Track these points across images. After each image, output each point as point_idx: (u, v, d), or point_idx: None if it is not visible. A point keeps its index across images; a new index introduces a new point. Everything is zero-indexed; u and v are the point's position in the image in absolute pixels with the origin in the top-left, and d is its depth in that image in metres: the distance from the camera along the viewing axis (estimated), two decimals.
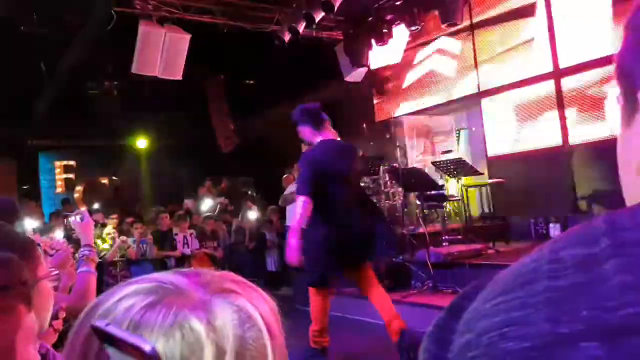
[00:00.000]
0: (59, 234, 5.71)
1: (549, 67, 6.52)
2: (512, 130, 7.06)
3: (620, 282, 0.29)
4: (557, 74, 6.45)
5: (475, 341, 0.33)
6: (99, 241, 6.86)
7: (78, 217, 2.12)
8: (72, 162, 12.48)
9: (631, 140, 0.42)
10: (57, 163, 12.41)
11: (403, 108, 8.81)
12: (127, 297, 0.49)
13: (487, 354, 0.31)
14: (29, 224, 6.73)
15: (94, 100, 10.03)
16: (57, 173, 12.42)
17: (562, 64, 6.38)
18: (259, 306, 0.54)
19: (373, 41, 7.90)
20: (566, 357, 0.27)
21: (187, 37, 7.24)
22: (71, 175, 12.43)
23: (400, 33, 7.82)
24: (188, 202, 10.55)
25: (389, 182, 7.43)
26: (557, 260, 0.33)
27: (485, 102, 7.38)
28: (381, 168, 7.28)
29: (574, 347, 0.27)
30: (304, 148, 3.85)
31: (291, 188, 7.83)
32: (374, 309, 4.06)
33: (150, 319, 0.47)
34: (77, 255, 2.14)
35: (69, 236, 4.66)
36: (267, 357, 0.51)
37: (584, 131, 6.15)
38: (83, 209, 2.37)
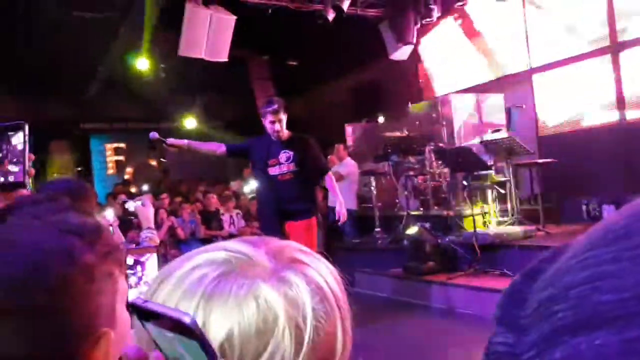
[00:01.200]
0: (109, 214, 5.92)
1: (605, 42, 6.20)
2: (565, 108, 6.78)
3: None
4: (615, 48, 6.13)
5: (561, 295, 0.32)
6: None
7: (139, 203, 2.30)
8: (122, 145, 12.88)
9: None
10: (108, 145, 12.83)
11: (450, 86, 8.60)
12: (199, 267, 0.48)
13: (577, 306, 0.30)
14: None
15: (143, 83, 10.26)
16: (108, 155, 12.86)
17: (621, 38, 6.06)
18: (327, 278, 0.52)
19: (419, 17, 7.72)
20: None
21: (233, 18, 7.27)
22: (121, 158, 12.84)
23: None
24: (234, 184, 10.72)
25: (434, 162, 7.29)
26: None
27: (536, 79, 7.11)
28: (427, 148, 7.15)
29: None
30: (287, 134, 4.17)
31: (335, 169, 7.83)
32: None
33: (225, 290, 0.46)
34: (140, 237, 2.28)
35: (124, 219, 4.86)
36: (337, 332, 0.50)
37: None
38: (145, 196, 2.64)
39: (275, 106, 4.06)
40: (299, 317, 0.46)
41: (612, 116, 6.18)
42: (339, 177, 7.71)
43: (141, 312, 0.42)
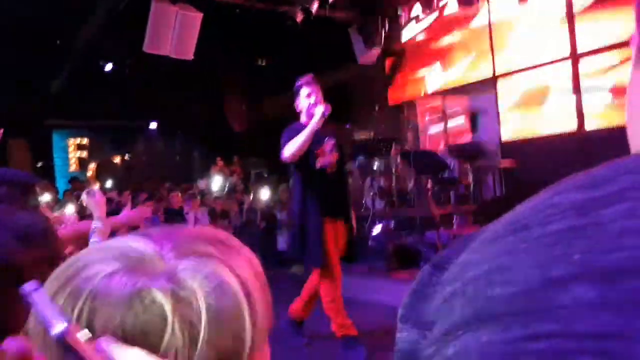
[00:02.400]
0: (70, 210, 5.79)
1: (566, 51, 6.41)
2: (527, 115, 6.98)
3: (620, 227, 0.27)
4: (575, 56, 6.35)
5: (462, 289, 0.31)
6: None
7: (90, 193, 2.22)
8: (85, 141, 12.60)
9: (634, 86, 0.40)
10: (71, 141, 12.53)
11: (417, 90, 8.74)
12: (91, 265, 0.46)
13: (472, 300, 0.29)
14: (45, 199, 6.81)
15: (108, 79, 10.07)
16: (71, 151, 12.55)
17: (581, 48, 6.28)
18: (240, 270, 0.50)
19: (387, 21, 7.82)
20: (555, 300, 0.26)
21: (199, 15, 7.21)
22: (84, 154, 12.56)
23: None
24: (201, 183, 10.63)
25: (400, 164, 7.40)
26: (552, 205, 0.31)
27: (500, 86, 7.29)
28: (392, 150, 7.25)
29: (564, 290, 0.26)
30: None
31: None
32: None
33: (109, 289, 0.44)
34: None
35: (83, 214, 4.73)
36: (245, 328, 0.47)
37: (601, 117, 6.06)
38: (95, 186, 2.48)
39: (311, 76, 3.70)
40: (192, 316, 0.45)
41: (571, 124, 6.39)
42: None
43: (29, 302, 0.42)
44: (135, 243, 0.49)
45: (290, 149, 3.58)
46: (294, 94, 3.81)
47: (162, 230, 0.53)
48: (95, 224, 2.08)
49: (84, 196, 2.24)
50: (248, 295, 0.48)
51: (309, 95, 3.66)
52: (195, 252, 0.49)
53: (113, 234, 2.14)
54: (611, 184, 0.30)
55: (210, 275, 0.47)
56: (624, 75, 5.77)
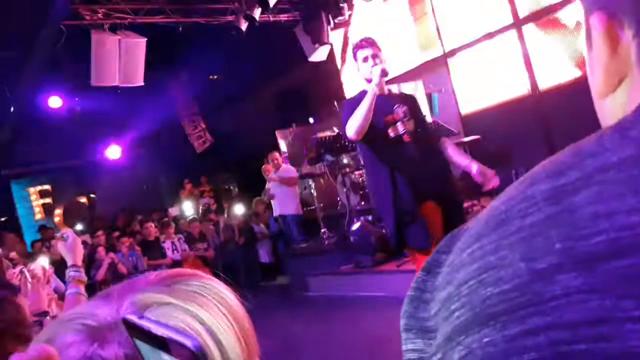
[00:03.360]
0: (43, 261, 5.59)
1: (509, 19, 6.52)
2: (481, 86, 7.07)
3: (591, 212, 0.28)
4: (518, 23, 6.45)
5: (456, 292, 0.32)
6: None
7: (63, 238, 1.98)
8: (47, 186, 12.24)
9: (591, 64, 0.41)
10: (32, 189, 12.15)
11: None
12: (54, 339, 0.47)
13: (468, 303, 0.31)
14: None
15: (59, 119, 9.81)
16: (33, 200, 12.17)
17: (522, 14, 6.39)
18: (205, 312, 0.49)
19: (331, 17, 7.82)
20: (544, 292, 0.27)
21: (143, 40, 7.09)
22: (48, 200, 12.19)
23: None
24: (172, 210, 10.45)
25: None
26: (526, 198, 0.32)
27: (452, 62, 7.36)
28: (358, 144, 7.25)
29: (551, 281, 0.27)
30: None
31: (276, 175, 7.79)
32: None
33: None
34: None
35: (59, 262, 4.56)
36: None
37: (553, 75, 6.18)
38: (66, 230, 2.21)
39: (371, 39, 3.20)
40: None
41: (525, 87, 6.50)
42: (284, 182, 7.69)
43: (135, 329, 0.41)
44: (97, 309, 0.49)
45: (352, 124, 3.02)
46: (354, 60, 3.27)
47: (124, 285, 0.53)
48: (70, 272, 1.89)
49: (59, 244, 2.04)
50: (215, 338, 0.47)
51: (365, 59, 3.12)
52: (155, 303, 0.48)
53: None
54: (575, 170, 0.31)
55: (170, 328, 0.45)
56: (571, 35, 5.90)
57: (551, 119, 6.16)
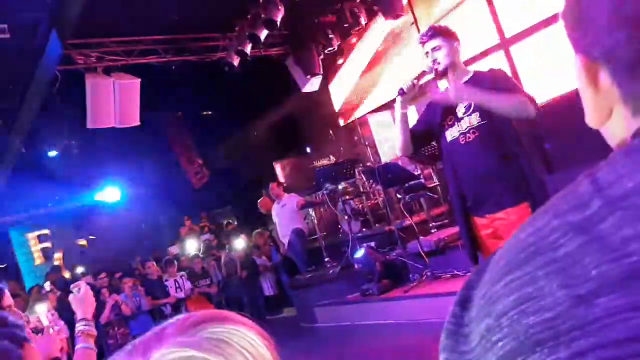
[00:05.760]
0: (41, 309, 5.52)
1: (495, 39, 6.62)
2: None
3: (620, 236, 0.30)
4: (505, 43, 6.56)
5: (496, 324, 0.33)
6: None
7: (75, 291, 1.97)
8: (45, 231, 12.16)
9: (582, 97, 0.44)
10: (30, 235, 12.07)
11: (364, 107, 8.85)
12: None
13: (511, 333, 0.32)
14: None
15: (55, 163, 9.82)
16: (32, 245, 12.08)
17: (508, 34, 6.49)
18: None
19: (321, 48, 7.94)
20: (587, 316, 0.28)
21: (137, 81, 7.16)
22: (47, 244, 12.10)
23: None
24: (173, 249, 10.38)
25: (366, 183, 7.43)
26: (554, 229, 0.34)
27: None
28: (356, 170, 7.28)
29: (591, 305, 0.29)
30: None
31: (281, 203, 7.71)
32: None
33: None
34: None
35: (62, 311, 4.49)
36: None
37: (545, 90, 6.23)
38: (81, 281, 2.17)
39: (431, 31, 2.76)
40: None
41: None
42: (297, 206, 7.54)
43: None
44: None
45: (395, 143, 2.85)
46: None
47: (149, 338, 0.51)
48: (80, 326, 1.87)
49: (70, 297, 1.98)
50: None
51: (427, 54, 2.76)
52: (180, 359, 0.48)
53: None
54: (597, 199, 0.33)
55: None
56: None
57: (549, 136, 6.19)
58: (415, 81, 2.78)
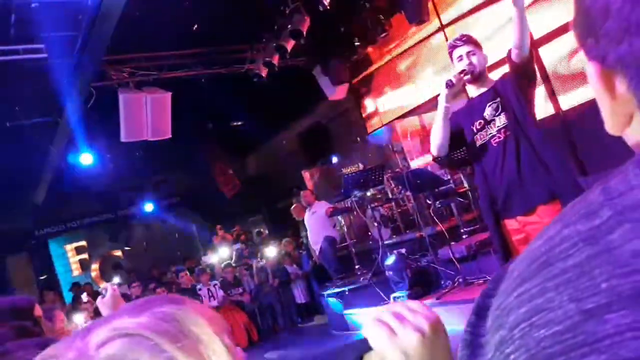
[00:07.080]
0: (79, 319, 5.67)
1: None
2: None
3: (629, 249, 0.29)
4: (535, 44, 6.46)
5: (509, 336, 0.33)
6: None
7: (102, 294, 2.00)
8: (82, 243, 12.51)
9: (599, 104, 0.44)
10: (68, 247, 12.43)
11: (392, 113, 8.83)
12: None
13: (522, 345, 0.32)
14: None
15: (92, 176, 10.10)
16: (70, 256, 12.44)
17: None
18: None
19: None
20: (597, 332, 0.28)
21: (168, 95, 7.33)
22: (84, 256, 12.44)
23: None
24: (205, 258, 10.52)
25: (395, 189, 7.41)
26: (564, 239, 0.33)
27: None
28: (384, 177, 7.27)
29: (601, 320, 0.28)
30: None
31: (314, 209, 7.75)
32: None
33: None
34: None
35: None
36: None
37: (573, 96, 6.14)
38: (104, 285, 2.20)
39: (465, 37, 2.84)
40: None
41: (549, 108, 6.44)
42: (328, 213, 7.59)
43: None
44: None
45: (431, 142, 2.86)
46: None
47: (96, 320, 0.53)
48: None
49: (98, 300, 2.02)
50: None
51: (460, 59, 2.81)
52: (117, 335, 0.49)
53: None
54: (607, 209, 0.33)
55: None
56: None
57: (576, 140, 6.08)
58: (461, 74, 2.78)
